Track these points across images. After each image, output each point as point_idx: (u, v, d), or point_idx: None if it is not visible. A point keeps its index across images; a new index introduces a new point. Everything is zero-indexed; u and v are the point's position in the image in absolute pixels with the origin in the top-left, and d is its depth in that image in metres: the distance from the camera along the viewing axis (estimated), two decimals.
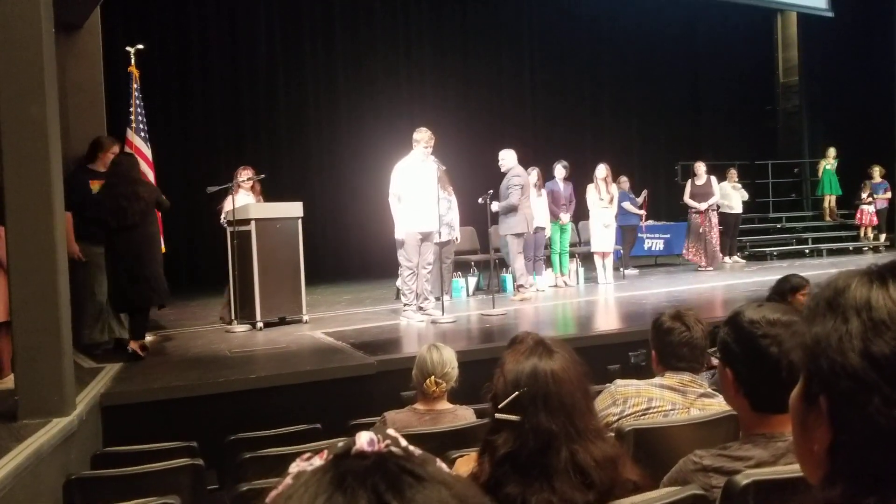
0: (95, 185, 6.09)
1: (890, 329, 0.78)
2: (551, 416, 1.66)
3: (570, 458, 1.64)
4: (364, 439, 0.69)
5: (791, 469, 1.55)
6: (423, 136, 7.35)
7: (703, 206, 11.55)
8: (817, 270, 10.87)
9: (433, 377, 3.34)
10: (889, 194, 14.40)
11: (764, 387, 1.67)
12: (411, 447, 0.71)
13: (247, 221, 7.03)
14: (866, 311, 0.80)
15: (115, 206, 5.55)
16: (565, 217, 10.15)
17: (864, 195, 14.45)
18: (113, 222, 5.57)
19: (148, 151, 7.10)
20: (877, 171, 14.36)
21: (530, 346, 1.78)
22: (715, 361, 1.95)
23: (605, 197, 10.31)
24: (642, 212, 11.90)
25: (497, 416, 1.69)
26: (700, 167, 11.83)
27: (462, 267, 9.85)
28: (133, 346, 5.74)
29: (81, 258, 5.96)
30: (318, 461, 0.70)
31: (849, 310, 0.81)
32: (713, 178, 11.86)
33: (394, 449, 0.69)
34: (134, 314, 5.85)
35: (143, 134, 7.09)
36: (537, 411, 1.66)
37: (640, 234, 12.54)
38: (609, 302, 8.96)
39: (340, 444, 0.70)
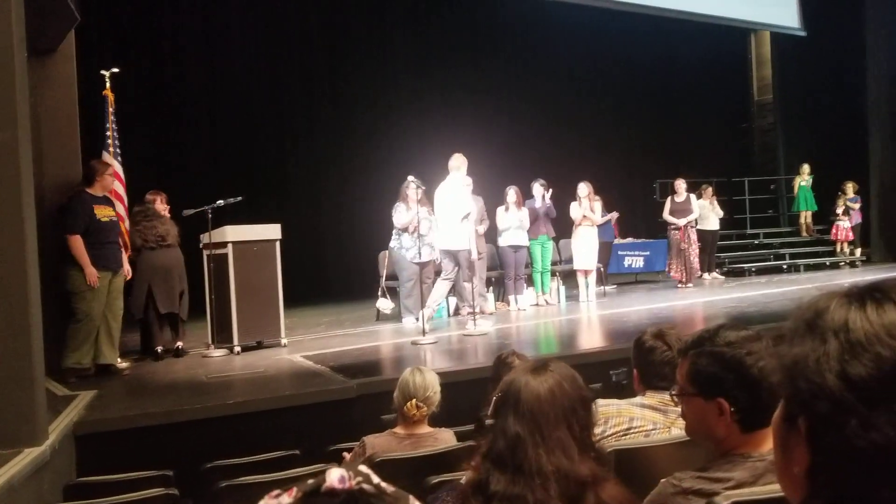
0: (98, 210, 6.21)
1: (867, 351, 0.78)
2: (518, 420, 1.74)
3: (536, 462, 1.70)
4: (334, 477, 0.67)
5: (771, 489, 1.54)
6: (464, 162, 8.19)
7: (681, 222, 11.64)
8: (795, 286, 10.98)
9: (415, 400, 3.32)
10: (859, 205, 14.59)
11: (757, 405, 1.65)
12: (384, 484, 0.68)
13: (223, 244, 6.98)
14: (844, 333, 0.80)
15: (155, 230, 6.95)
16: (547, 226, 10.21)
17: (839, 211, 14.63)
18: (153, 242, 6.91)
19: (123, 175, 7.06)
20: (850, 187, 14.57)
21: (525, 365, 1.92)
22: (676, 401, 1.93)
23: (589, 215, 10.36)
24: (610, 216, 11.92)
25: (486, 421, 1.83)
26: (681, 184, 11.93)
27: None
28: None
29: (96, 285, 6.04)
30: (286, 499, 0.67)
31: (827, 331, 0.81)
32: (692, 196, 11.97)
33: (365, 486, 0.67)
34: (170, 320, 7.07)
35: (119, 158, 7.04)
36: (507, 414, 1.77)
37: (618, 252, 12.60)
38: (590, 320, 8.97)
39: (310, 481, 0.68)
